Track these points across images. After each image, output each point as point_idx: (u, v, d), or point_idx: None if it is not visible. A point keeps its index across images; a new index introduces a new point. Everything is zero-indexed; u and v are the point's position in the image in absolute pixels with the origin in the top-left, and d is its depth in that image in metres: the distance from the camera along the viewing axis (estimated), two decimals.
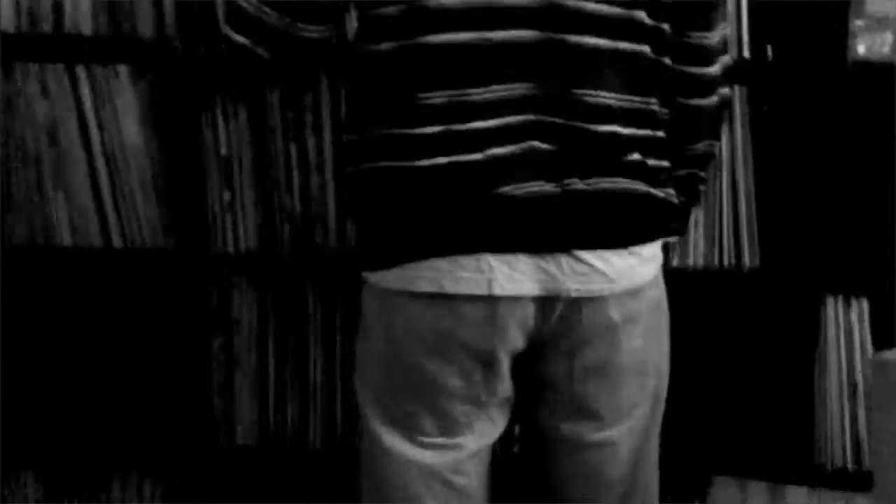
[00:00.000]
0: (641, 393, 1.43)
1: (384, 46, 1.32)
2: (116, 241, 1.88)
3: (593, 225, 1.33)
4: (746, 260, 1.87)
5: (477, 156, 1.30)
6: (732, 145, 1.83)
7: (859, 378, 1.87)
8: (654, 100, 1.38)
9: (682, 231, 1.68)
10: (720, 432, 1.90)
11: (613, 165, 1.34)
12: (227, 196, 1.86)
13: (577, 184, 1.32)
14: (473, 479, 1.42)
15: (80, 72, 1.82)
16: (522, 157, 1.31)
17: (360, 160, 1.40)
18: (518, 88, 1.30)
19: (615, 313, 1.35)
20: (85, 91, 1.82)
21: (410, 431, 1.38)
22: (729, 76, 1.59)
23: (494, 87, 1.30)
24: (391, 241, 1.37)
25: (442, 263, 1.31)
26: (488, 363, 1.35)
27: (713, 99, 1.51)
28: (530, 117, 1.31)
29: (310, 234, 1.88)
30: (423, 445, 1.38)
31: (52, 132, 1.84)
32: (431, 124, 1.31)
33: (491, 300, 1.31)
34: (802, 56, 1.80)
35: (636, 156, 1.36)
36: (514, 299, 1.32)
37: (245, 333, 1.92)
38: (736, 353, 1.89)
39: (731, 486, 1.77)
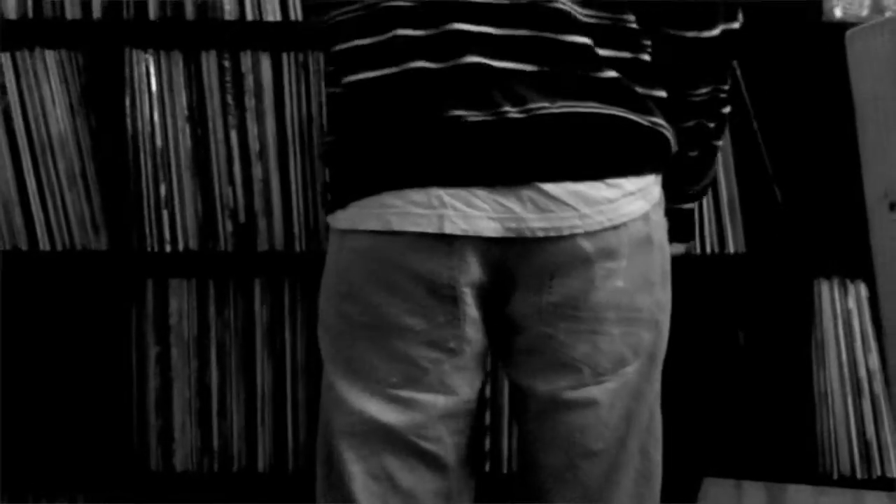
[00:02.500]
0: (629, 346, 1.22)
1: None
2: (43, 243, 1.73)
3: (561, 153, 1.17)
4: (731, 245, 1.72)
5: (430, 64, 1.16)
6: (726, 129, 1.70)
7: (863, 373, 1.70)
8: (630, 17, 1.21)
9: (699, 192, 1.46)
10: (714, 435, 1.72)
11: (585, 84, 1.17)
12: (163, 190, 1.72)
13: (544, 107, 1.16)
14: (447, 447, 1.23)
15: (5, 58, 1.70)
16: (481, 72, 1.16)
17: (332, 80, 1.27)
18: None
19: (587, 244, 1.18)
20: (9, 78, 1.70)
21: (369, 380, 1.21)
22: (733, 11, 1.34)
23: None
24: (344, 179, 1.24)
25: (392, 198, 1.17)
26: (450, 298, 1.18)
27: (714, 32, 1.28)
28: (490, 29, 1.16)
29: (253, 231, 1.74)
30: (383, 398, 1.20)
31: None
32: (378, 32, 1.18)
33: (444, 237, 1.16)
34: (776, 19, 1.69)
35: (612, 73, 1.19)
36: (470, 238, 1.16)
37: (183, 342, 1.75)
38: (723, 347, 1.73)
39: (725, 486, 1.57)
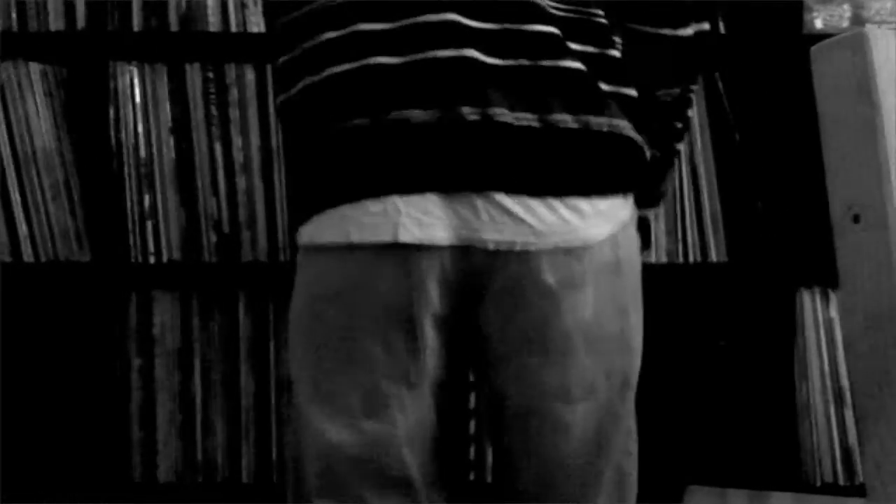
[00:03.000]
0: (601, 372, 1.20)
1: None
2: (27, 255, 1.73)
3: (518, 165, 1.13)
4: (713, 254, 1.73)
5: (389, 59, 1.13)
6: (690, 131, 1.72)
7: (845, 382, 1.70)
8: (597, 11, 1.19)
9: (657, 196, 1.42)
10: (697, 443, 1.72)
11: (549, 79, 1.13)
12: (147, 201, 1.72)
13: (503, 113, 1.12)
14: (414, 468, 1.20)
15: None
16: (440, 67, 1.12)
17: (287, 82, 1.23)
18: None
19: (549, 276, 1.14)
20: None
21: (335, 408, 1.18)
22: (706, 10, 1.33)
23: None
24: (304, 192, 1.21)
25: (349, 210, 1.14)
26: (409, 327, 1.15)
27: (688, 31, 1.26)
28: (450, 16, 1.13)
29: (237, 243, 1.74)
30: (349, 427, 1.18)
31: None
32: (330, 29, 1.15)
33: (400, 249, 1.13)
34: (757, 32, 1.71)
35: (577, 64, 1.15)
36: (426, 248, 1.13)
37: (167, 354, 1.75)
38: (706, 356, 1.73)
39: (708, 494, 1.58)
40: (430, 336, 1.16)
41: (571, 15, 1.17)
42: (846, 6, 1.70)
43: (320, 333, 1.18)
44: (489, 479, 1.75)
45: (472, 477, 1.75)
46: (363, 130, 1.13)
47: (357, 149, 1.14)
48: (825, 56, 0.99)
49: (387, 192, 1.12)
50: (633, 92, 1.21)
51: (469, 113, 1.11)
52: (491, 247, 1.12)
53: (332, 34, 1.15)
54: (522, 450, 1.22)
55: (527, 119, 1.12)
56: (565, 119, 1.14)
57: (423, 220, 1.12)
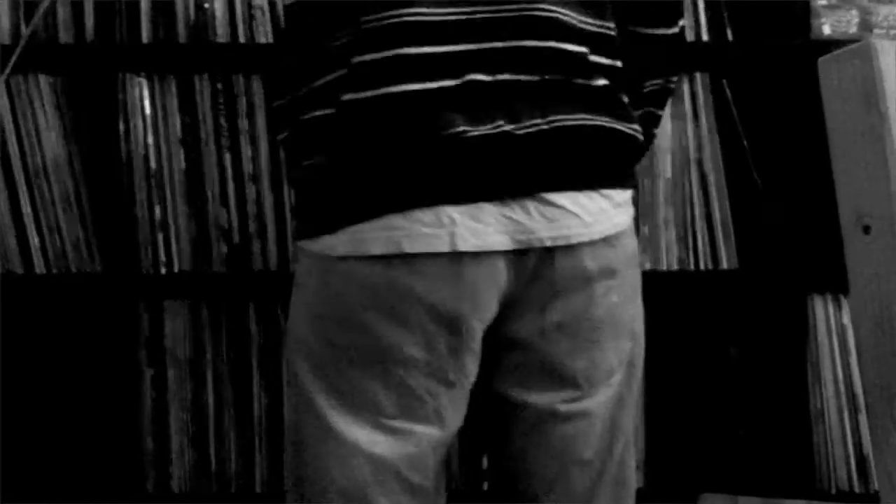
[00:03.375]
0: (618, 357, 1.24)
1: None
2: (39, 267, 1.74)
3: (559, 164, 1.17)
4: (724, 261, 1.72)
5: (428, 84, 1.15)
6: (699, 138, 1.71)
7: (858, 388, 1.70)
8: (611, 24, 1.24)
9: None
10: (710, 450, 1.71)
11: (578, 94, 1.18)
12: (157, 212, 1.73)
13: (535, 123, 1.16)
14: (431, 476, 1.22)
15: None
16: (479, 89, 1.15)
17: (293, 117, 1.26)
18: (475, 10, 1.16)
19: (591, 262, 1.19)
20: (3, 102, 1.71)
21: (361, 410, 1.18)
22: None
23: (443, 8, 1.15)
24: (335, 201, 1.19)
25: (397, 220, 1.14)
26: (455, 329, 1.16)
27: (675, 29, 1.34)
28: (487, 44, 1.16)
29: (248, 253, 1.74)
30: (378, 428, 1.18)
31: None
32: (372, 51, 1.16)
33: (456, 257, 1.15)
34: (765, 38, 1.70)
35: (602, 81, 1.21)
36: (483, 255, 1.15)
37: (179, 364, 1.75)
38: (718, 363, 1.73)
39: (721, 502, 1.57)
40: (475, 338, 1.18)
41: (595, 29, 1.21)
42: (854, 12, 1.70)
43: (347, 340, 1.18)
44: (485, 487, 1.76)
45: (486, 487, 1.75)
46: (401, 146, 1.15)
47: (401, 161, 1.16)
48: (832, 67, 0.99)
49: (437, 201, 1.14)
50: (628, 98, 1.28)
51: (507, 126, 1.15)
52: (548, 243, 1.16)
53: (375, 55, 1.17)
54: (541, 452, 1.24)
55: (558, 121, 1.17)
56: (590, 119, 1.19)
57: (478, 227, 1.15)
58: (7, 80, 1.71)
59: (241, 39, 1.71)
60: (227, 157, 1.73)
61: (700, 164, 1.72)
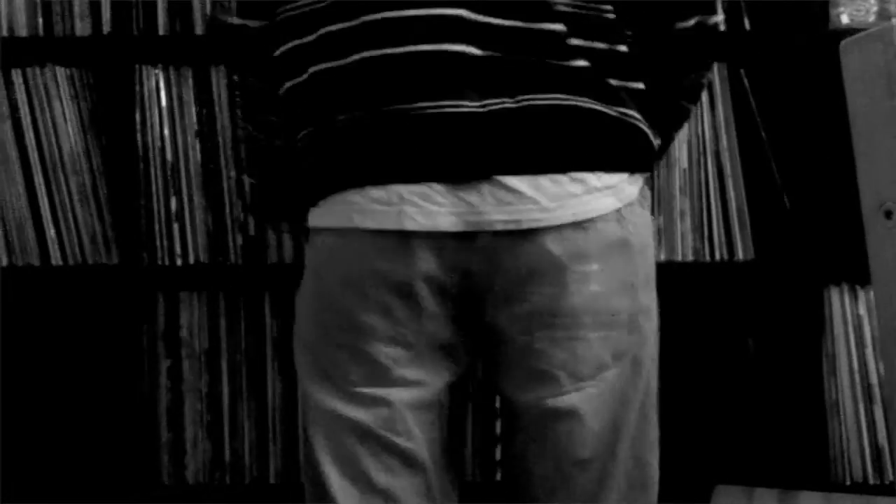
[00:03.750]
0: (608, 351, 1.21)
1: None
2: (55, 258, 1.75)
3: (521, 145, 1.16)
4: (740, 252, 1.71)
5: (395, 50, 1.16)
6: (715, 128, 1.71)
7: (874, 379, 1.69)
8: (607, 7, 1.22)
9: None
10: (724, 443, 1.71)
11: (551, 74, 1.17)
12: (173, 204, 1.73)
13: (503, 101, 1.16)
14: (417, 439, 1.22)
15: (16, 76, 1.72)
16: (442, 62, 1.16)
17: (267, 92, 1.30)
18: None
19: (556, 247, 1.16)
20: (20, 94, 1.72)
21: (337, 382, 1.22)
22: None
23: None
24: (311, 177, 1.25)
25: (354, 196, 1.18)
26: (408, 295, 1.18)
27: (689, 22, 1.31)
28: (454, 11, 1.16)
29: (263, 245, 1.74)
30: (351, 398, 1.21)
31: None
32: (341, 20, 1.18)
33: (405, 234, 1.16)
34: (782, 28, 1.69)
35: (581, 62, 1.19)
36: (429, 234, 1.16)
37: (195, 355, 1.76)
38: (733, 354, 1.72)
39: (736, 493, 1.57)
40: (429, 300, 1.19)
41: (580, 11, 1.19)
42: (872, 1, 1.69)
43: (322, 311, 1.23)
44: (497, 477, 1.76)
45: (498, 477, 1.75)
46: (366, 120, 1.17)
47: (360, 138, 1.18)
48: (854, 51, 0.99)
49: (390, 179, 1.16)
50: (640, 85, 1.25)
51: (470, 105, 1.15)
52: (498, 227, 1.15)
53: (338, 26, 1.18)
54: (536, 452, 1.23)
55: (528, 99, 1.16)
56: (568, 99, 1.17)
57: (427, 207, 1.16)
58: (24, 73, 1.72)
59: None
60: (243, 148, 1.73)
61: (717, 154, 1.71)
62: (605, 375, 1.21)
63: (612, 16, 1.22)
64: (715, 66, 1.70)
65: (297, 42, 1.23)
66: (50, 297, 1.76)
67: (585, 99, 1.18)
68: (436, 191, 1.15)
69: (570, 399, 1.20)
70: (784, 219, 1.71)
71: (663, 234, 1.71)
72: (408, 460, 1.22)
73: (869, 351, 1.68)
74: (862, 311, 1.69)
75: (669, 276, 1.43)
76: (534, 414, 1.22)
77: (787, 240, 1.71)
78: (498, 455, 1.74)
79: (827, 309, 1.71)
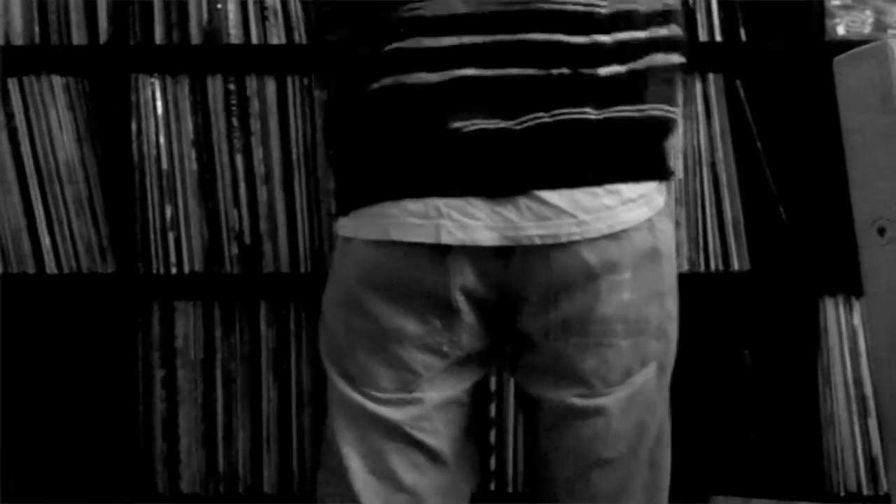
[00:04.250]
0: (637, 357, 1.23)
1: None
2: (50, 267, 1.74)
3: (556, 160, 1.17)
4: (735, 262, 1.72)
5: (428, 76, 1.17)
6: (711, 138, 1.71)
7: (868, 390, 1.69)
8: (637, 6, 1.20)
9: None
10: (720, 453, 1.71)
11: (584, 84, 1.17)
12: (168, 213, 1.73)
13: (538, 117, 1.16)
14: (442, 438, 1.24)
15: (12, 84, 1.72)
16: (475, 83, 1.16)
17: (329, 99, 1.29)
18: (481, 4, 1.17)
19: (591, 257, 1.18)
20: (16, 103, 1.72)
21: (367, 388, 1.23)
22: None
23: (450, 4, 1.16)
24: (347, 186, 1.25)
25: (390, 208, 1.18)
26: (447, 306, 1.19)
27: None
28: (492, 38, 1.17)
29: (259, 254, 1.74)
30: (378, 402, 1.23)
31: None
32: (383, 43, 1.18)
33: (441, 247, 1.17)
34: (778, 38, 1.70)
35: (616, 68, 1.18)
36: (467, 248, 1.17)
37: (190, 365, 1.75)
38: (728, 365, 1.72)
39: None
40: (468, 313, 1.21)
41: (614, 11, 1.18)
42: (868, 12, 1.70)
43: (356, 323, 1.23)
44: (510, 489, 1.75)
45: (493, 487, 1.75)
46: (407, 137, 1.18)
47: (400, 152, 1.19)
48: (848, 67, 0.99)
49: (427, 193, 1.17)
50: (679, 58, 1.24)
51: (507, 122, 1.16)
52: (537, 241, 1.17)
53: (375, 49, 1.19)
54: (559, 452, 1.24)
55: (562, 114, 1.16)
56: (601, 112, 1.18)
57: (465, 221, 1.17)
58: (20, 81, 1.72)
59: (254, 41, 1.71)
60: (239, 158, 1.73)
61: (713, 165, 1.71)
62: (634, 380, 1.23)
63: (639, 7, 1.20)
64: (711, 77, 1.71)
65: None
66: (45, 306, 1.76)
67: (617, 107, 1.18)
68: (474, 205, 1.16)
69: (599, 400, 1.22)
70: (779, 229, 1.72)
71: None
72: (434, 457, 1.23)
73: (864, 362, 1.69)
74: (857, 322, 1.70)
75: None
76: (559, 413, 1.23)
77: (783, 250, 1.72)
78: (493, 465, 1.75)
79: (822, 320, 1.71)
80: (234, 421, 1.76)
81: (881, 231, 0.97)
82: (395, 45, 1.18)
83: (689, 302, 1.71)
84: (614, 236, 1.18)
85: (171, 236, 1.73)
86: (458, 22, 1.17)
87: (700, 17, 1.69)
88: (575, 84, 1.17)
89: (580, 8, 1.17)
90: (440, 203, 1.16)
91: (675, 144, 1.26)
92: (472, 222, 1.16)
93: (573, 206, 1.16)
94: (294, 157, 1.73)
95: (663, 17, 1.23)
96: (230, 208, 1.74)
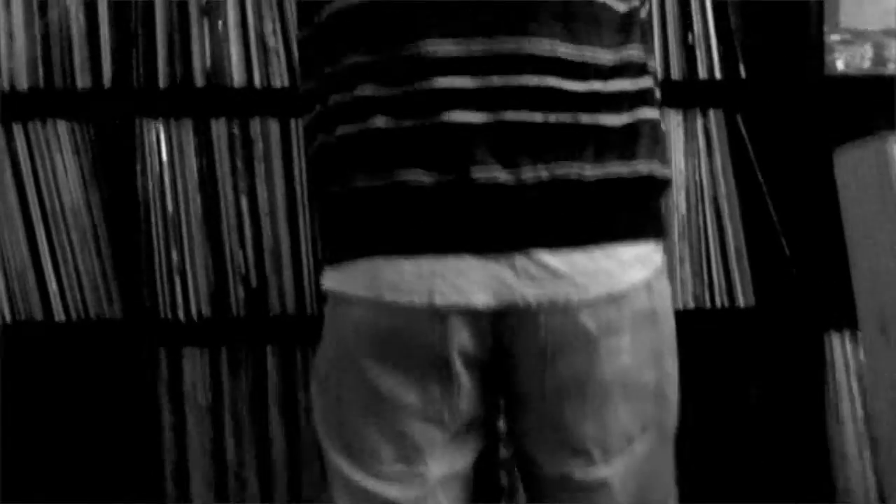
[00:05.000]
0: (638, 421, 1.20)
1: (317, 18, 1.20)
2: (58, 312, 1.74)
3: (556, 219, 1.14)
4: (740, 299, 1.72)
5: (411, 122, 1.13)
6: (713, 173, 1.72)
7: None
8: (633, 50, 1.19)
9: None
10: (729, 492, 1.70)
11: (585, 137, 1.14)
12: (174, 256, 1.73)
13: (537, 170, 1.13)
14: None
15: (17, 130, 1.72)
16: (466, 132, 1.13)
17: (309, 139, 1.25)
18: (472, 44, 1.13)
19: (589, 321, 1.15)
20: (21, 148, 1.72)
21: (365, 459, 1.19)
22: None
23: (435, 44, 1.13)
24: (334, 234, 1.21)
25: (381, 265, 1.14)
26: (444, 367, 1.16)
27: None
28: (486, 80, 1.13)
29: (265, 297, 1.74)
30: (381, 477, 1.19)
31: None
32: (359, 84, 1.16)
33: (436, 309, 1.14)
34: (778, 73, 1.71)
35: (614, 119, 1.16)
36: (462, 310, 1.14)
37: (198, 410, 1.75)
38: (735, 402, 1.72)
39: None
40: (465, 376, 1.17)
41: (616, 62, 1.17)
42: (867, 46, 1.70)
43: (350, 386, 1.19)
44: None
45: None
46: (400, 189, 1.14)
47: (392, 205, 1.15)
48: (848, 160, 0.97)
49: (421, 250, 1.13)
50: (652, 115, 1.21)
51: (502, 175, 1.12)
52: (533, 305, 1.13)
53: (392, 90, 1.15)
54: None
55: (560, 167, 1.13)
56: (597, 166, 1.15)
57: (459, 282, 1.12)
58: (25, 127, 1.72)
59: (257, 84, 1.72)
60: (244, 200, 1.73)
61: (715, 199, 1.72)
62: (634, 448, 1.20)
63: (641, 55, 1.20)
64: (712, 113, 1.72)
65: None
66: (52, 351, 1.75)
67: (615, 162, 1.15)
68: (468, 264, 1.12)
69: (599, 471, 1.19)
70: (783, 264, 1.72)
71: None
72: None
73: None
74: (863, 356, 1.70)
75: None
76: (560, 486, 1.20)
77: (787, 285, 1.72)
78: None
79: (828, 355, 1.71)
80: (244, 465, 1.74)
81: (883, 330, 0.95)
82: (373, 88, 1.15)
83: (695, 338, 1.72)
84: (612, 299, 1.15)
85: (177, 280, 1.73)
86: (447, 65, 1.13)
87: (700, 54, 1.71)
88: (575, 133, 1.14)
89: (574, 56, 1.14)
90: (434, 262, 1.13)
91: (669, 203, 1.25)
92: (467, 284, 1.12)
93: (571, 268, 1.13)
94: (298, 197, 1.73)
95: (641, 69, 1.21)
96: (236, 250, 1.74)
